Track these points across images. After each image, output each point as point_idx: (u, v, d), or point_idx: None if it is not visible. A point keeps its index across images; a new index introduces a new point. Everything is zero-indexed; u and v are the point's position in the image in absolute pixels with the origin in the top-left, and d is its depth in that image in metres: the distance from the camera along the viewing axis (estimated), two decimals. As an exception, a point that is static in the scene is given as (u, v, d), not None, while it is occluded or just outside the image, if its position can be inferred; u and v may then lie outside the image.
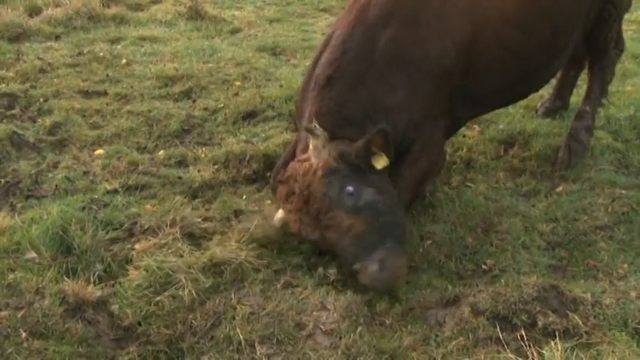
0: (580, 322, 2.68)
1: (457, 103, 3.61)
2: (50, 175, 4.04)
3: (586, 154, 4.16)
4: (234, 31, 7.05)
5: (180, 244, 3.25)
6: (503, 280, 2.96)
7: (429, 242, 3.41)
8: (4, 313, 2.77)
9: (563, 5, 3.79)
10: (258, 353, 2.67)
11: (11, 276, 3.01)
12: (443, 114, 3.56)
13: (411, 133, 3.40)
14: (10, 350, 2.60)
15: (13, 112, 4.73)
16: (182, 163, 4.27)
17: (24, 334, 2.68)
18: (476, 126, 4.76)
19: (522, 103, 4.95)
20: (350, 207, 3.05)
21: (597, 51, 4.30)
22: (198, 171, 4.12)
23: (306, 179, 3.13)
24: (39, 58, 5.63)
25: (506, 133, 4.58)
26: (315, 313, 2.87)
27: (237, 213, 3.69)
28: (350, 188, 3.07)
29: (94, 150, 4.36)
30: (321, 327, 2.80)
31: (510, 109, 4.94)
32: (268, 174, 3.97)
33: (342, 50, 3.40)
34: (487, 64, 3.60)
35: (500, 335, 2.64)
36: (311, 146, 3.21)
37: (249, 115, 4.85)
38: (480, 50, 3.54)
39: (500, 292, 2.84)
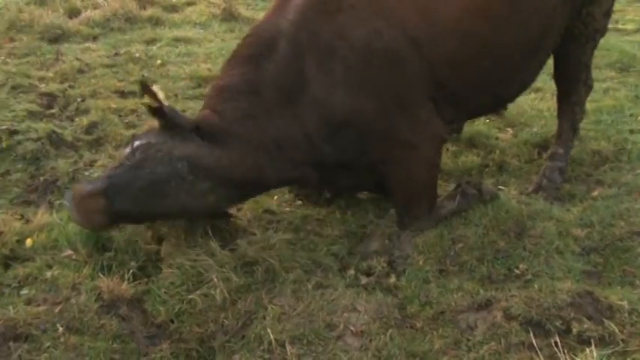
0: (616, 330, 2.63)
1: (438, 100, 3.42)
2: (87, 173, 4.12)
3: (556, 192, 3.95)
4: (267, 33, 7.07)
5: (212, 243, 3.29)
6: (536, 285, 2.92)
7: (460, 245, 3.38)
8: (42, 307, 2.85)
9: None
10: (288, 353, 2.68)
11: (49, 272, 3.09)
12: (422, 102, 3.35)
13: (382, 131, 3.28)
14: (47, 344, 2.67)
15: (52, 111, 4.84)
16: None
17: (61, 329, 2.75)
18: (509, 129, 4.71)
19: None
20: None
21: (567, 80, 4.05)
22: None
23: None
24: (77, 59, 5.74)
25: (540, 136, 4.52)
26: (345, 314, 2.87)
27: (269, 212, 3.72)
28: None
29: (129, 149, 4.43)
30: (352, 328, 2.80)
31: (545, 112, 4.88)
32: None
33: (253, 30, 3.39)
34: (448, 57, 3.35)
35: (534, 341, 2.61)
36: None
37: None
38: (435, 40, 3.30)
39: (534, 297, 2.81)
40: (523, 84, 3.89)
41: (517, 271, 3.17)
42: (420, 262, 3.25)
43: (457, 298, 2.98)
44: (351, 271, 3.23)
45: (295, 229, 3.54)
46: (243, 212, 3.70)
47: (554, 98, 4.50)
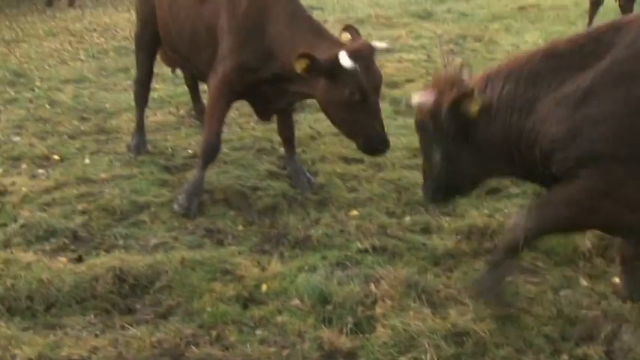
0: None
1: None
2: (312, 230, 4.55)
3: None
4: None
5: (424, 309, 3.44)
6: None
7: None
8: (273, 349, 3.23)
9: None
10: None
11: (279, 317, 3.49)
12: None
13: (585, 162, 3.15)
14: (274, 385, 3.03)
15: (286, 172, 5.45)
16: (426, 230, 4.50)
17: (287, 372, 3.09)
18: None
19: None
20: None
21: None
22: (442, 239, 4.32)
23: None
24: (310, 127, 6.39)
25: None
26: (558, 402, 2.82)
27: (477, 284, 3.79)
28: None
29: (349, 211, 4.81)
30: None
31: None
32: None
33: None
34: None
35: None
36: None
37: (493, 191, 4.96)
38: None
39: None
40: None
41: None
42: (645, 359, 3.07)
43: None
44: (565, 357, 3.16)
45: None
46: (454, 281, 3.82)
47: None
